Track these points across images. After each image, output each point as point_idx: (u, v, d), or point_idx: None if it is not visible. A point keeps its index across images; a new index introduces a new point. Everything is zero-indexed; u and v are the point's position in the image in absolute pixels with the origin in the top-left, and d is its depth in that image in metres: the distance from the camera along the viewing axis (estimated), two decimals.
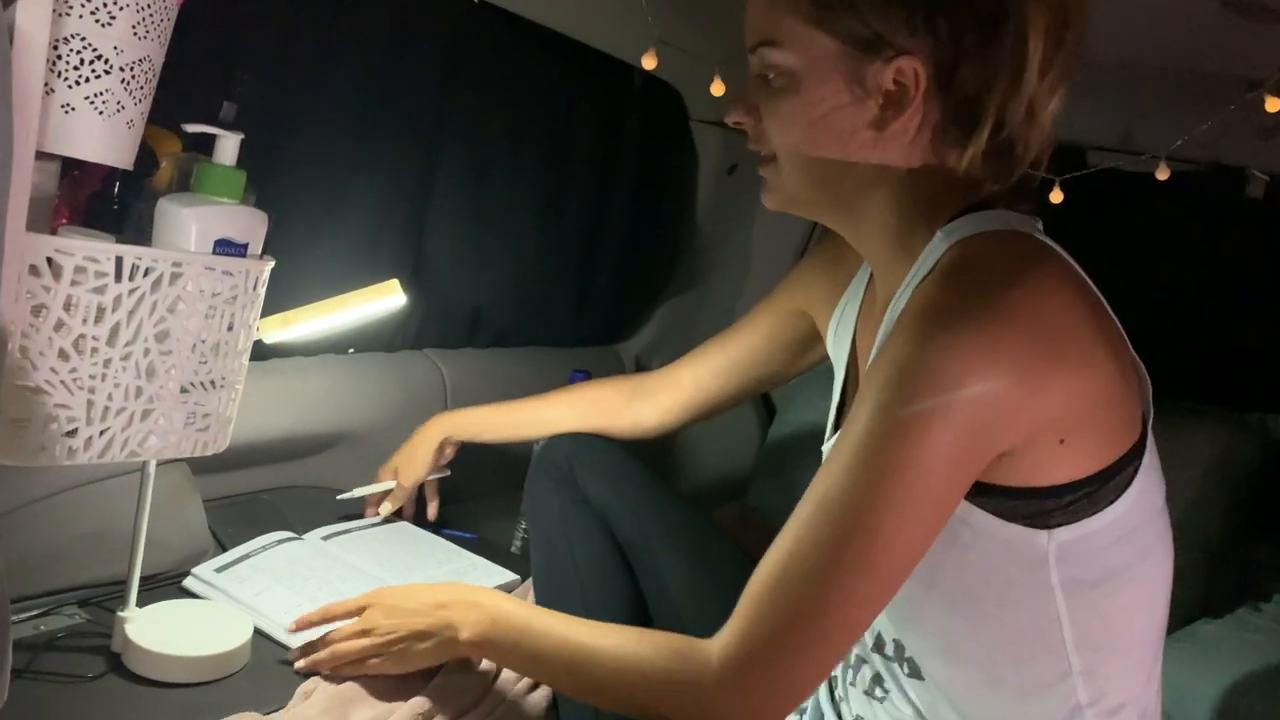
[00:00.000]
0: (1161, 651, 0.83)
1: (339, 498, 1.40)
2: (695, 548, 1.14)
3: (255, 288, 0.91)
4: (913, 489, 0.68)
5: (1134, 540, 0.76)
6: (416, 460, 1.41)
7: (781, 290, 1.14)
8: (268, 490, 1.51)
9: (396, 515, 1.51)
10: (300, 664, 1.05)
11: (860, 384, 0.75)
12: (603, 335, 2.02)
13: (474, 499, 1.73)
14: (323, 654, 1.04)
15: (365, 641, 1.02)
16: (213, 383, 0.89)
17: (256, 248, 0.90)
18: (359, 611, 1.05)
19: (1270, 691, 1.34)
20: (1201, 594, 1.50)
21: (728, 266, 2.06)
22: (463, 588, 1.04)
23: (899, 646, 0.86)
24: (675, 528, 1.15)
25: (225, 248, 0.85)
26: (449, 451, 1.44)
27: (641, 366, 2.10)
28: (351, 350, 1.57)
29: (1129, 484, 0.75)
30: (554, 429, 1.30)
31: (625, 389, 1.31)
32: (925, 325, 0.69)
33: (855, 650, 0.94)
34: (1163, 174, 1.44)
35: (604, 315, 1.96)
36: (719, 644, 0.74)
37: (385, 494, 1.47)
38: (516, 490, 1.71)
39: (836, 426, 0.95)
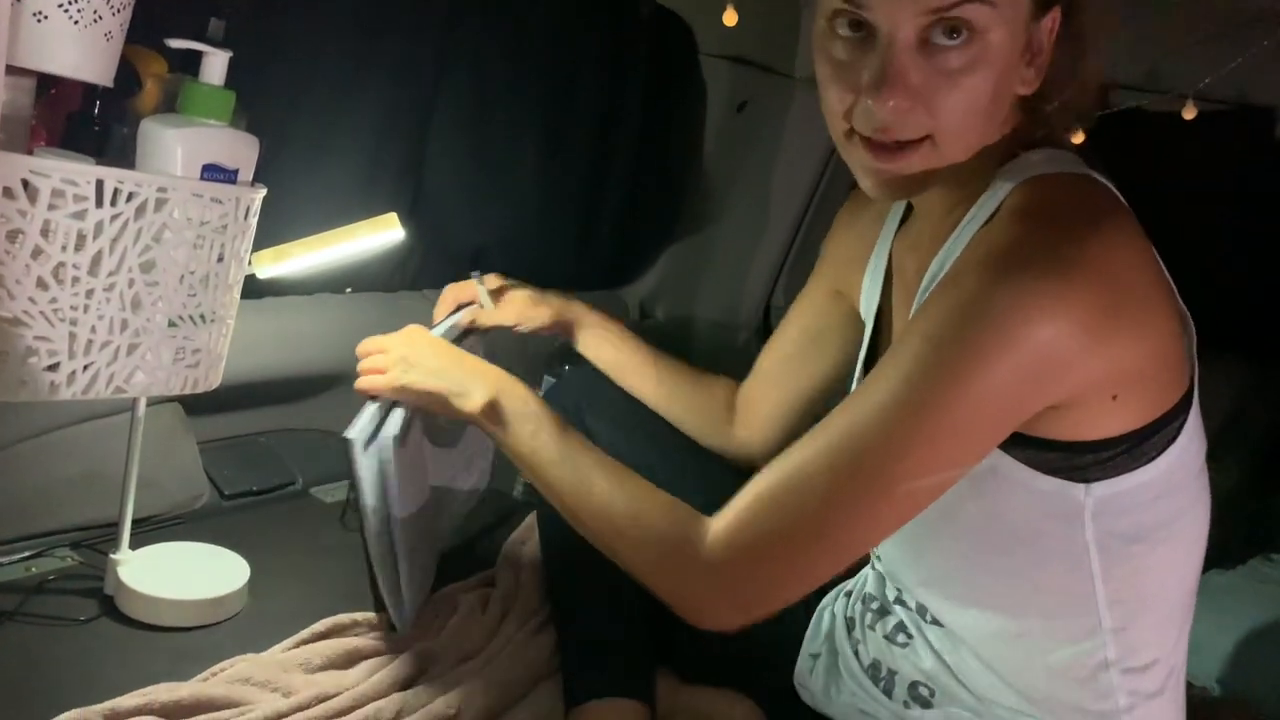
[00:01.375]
0: (1192, 610, 0.80)
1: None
2: (707, 496, 1.11)
3: (246, 217, 0.86)
4: (955, 423, 0.65)
5: (1173, 498, 0.73)
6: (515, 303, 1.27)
7: (814, 275, 1.07)
8: (265, 433, 1.48)
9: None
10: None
11: (907, 324, 0.71)
12: (606, 279, 1.97)
13: None
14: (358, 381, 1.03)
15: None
16: (202, 317, 0.84)
17: (247, 174, 0.85)
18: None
19: (1277, 637, 1.32)
20: (1214, 544, 1.47)
21: (736, 208, 2.00)
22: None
23: (921, 606, 0.83)
24: (686, 475, 1.12)
25: (213, 173, 0.80)
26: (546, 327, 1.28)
27: (646, 312, 2.05)
28: (349, 290, 1.53)
29: (1172, 440, 0.72)
30: (666, 408, 1.19)
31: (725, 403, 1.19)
32: (994, 266, 0.65)
33: (878, 598, 0.91)
34: (1189, 113, 1.38)
35: (608, 258, 1.91)
36: (717, 524, 0.72)
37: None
38: None
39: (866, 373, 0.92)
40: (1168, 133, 1.45)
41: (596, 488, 0.79)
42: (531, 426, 0.86)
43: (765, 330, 2.13)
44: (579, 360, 1.53)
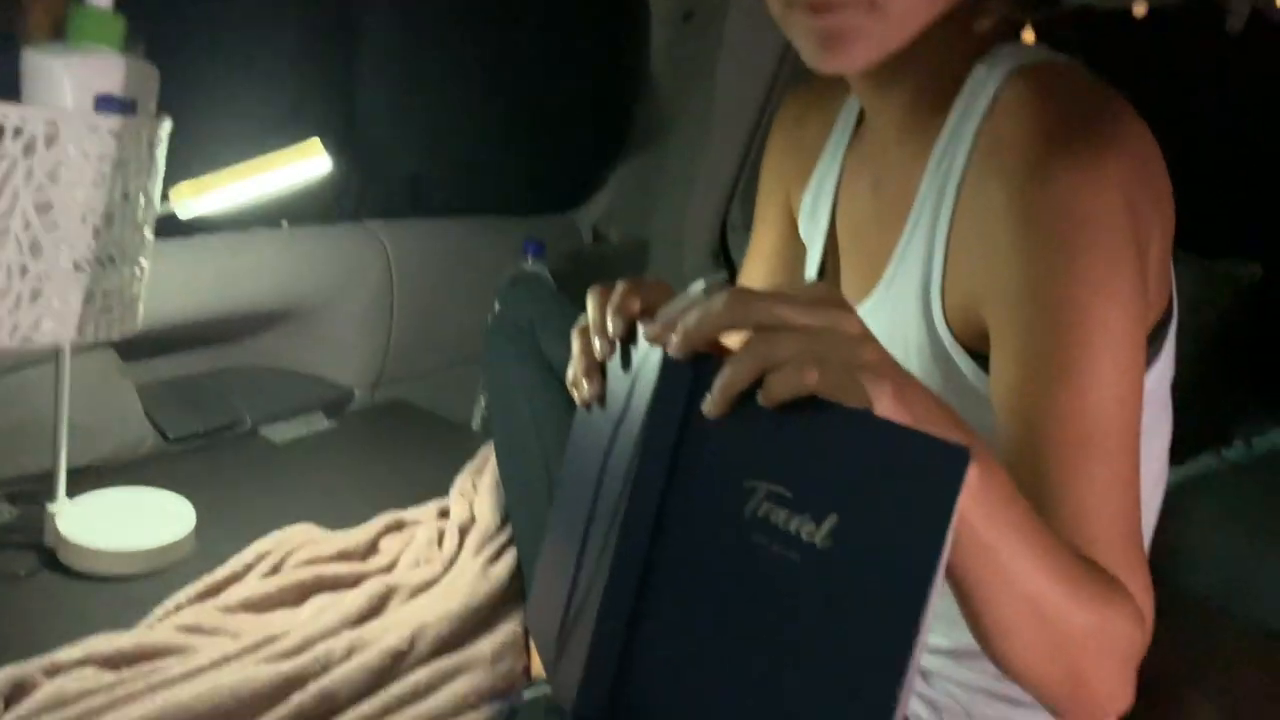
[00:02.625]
0: (1151, 532, 0.79)
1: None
2: None
3: (150, 151, 0.82)
4: (1128, 334, 0.61)
5: (1149, 411, 0.72)
6: None
7: (762, 196, 0.99)
8: (208, 373, 1.45)
9: None
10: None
11: (985, 287, 0.66)
12: (556, 202, 1.93)
13: (429, 374, 1.68)
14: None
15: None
16: (110, 258, 0.80)
17: (148, 105, 0.81)
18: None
19: (1226, 534, 1.34)
20: None
21: (687, 124, 1.95)
22: None
23: None
24: None
25: (108, 105, 0.75)
26: None
27: (600, 235, 2.02)
28: (285, 223, 1.48)
29: (1159, 352, 0.70)
30: None
31: None
32: (1042, 166, 0.62)
33: None
34: (1140, 9, 1.35)
35: (556, 180, 1.87)
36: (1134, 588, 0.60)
37: None
38: (474, 364, 1.67)
39: None
40: (1117, 31, 1.42)
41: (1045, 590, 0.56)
42: (1018, 511, 0.55)
43: (723, 251, 2.09)
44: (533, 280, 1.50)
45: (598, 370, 0.62)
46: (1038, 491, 0.62)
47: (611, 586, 0.55)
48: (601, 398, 0.62)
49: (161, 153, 0.84)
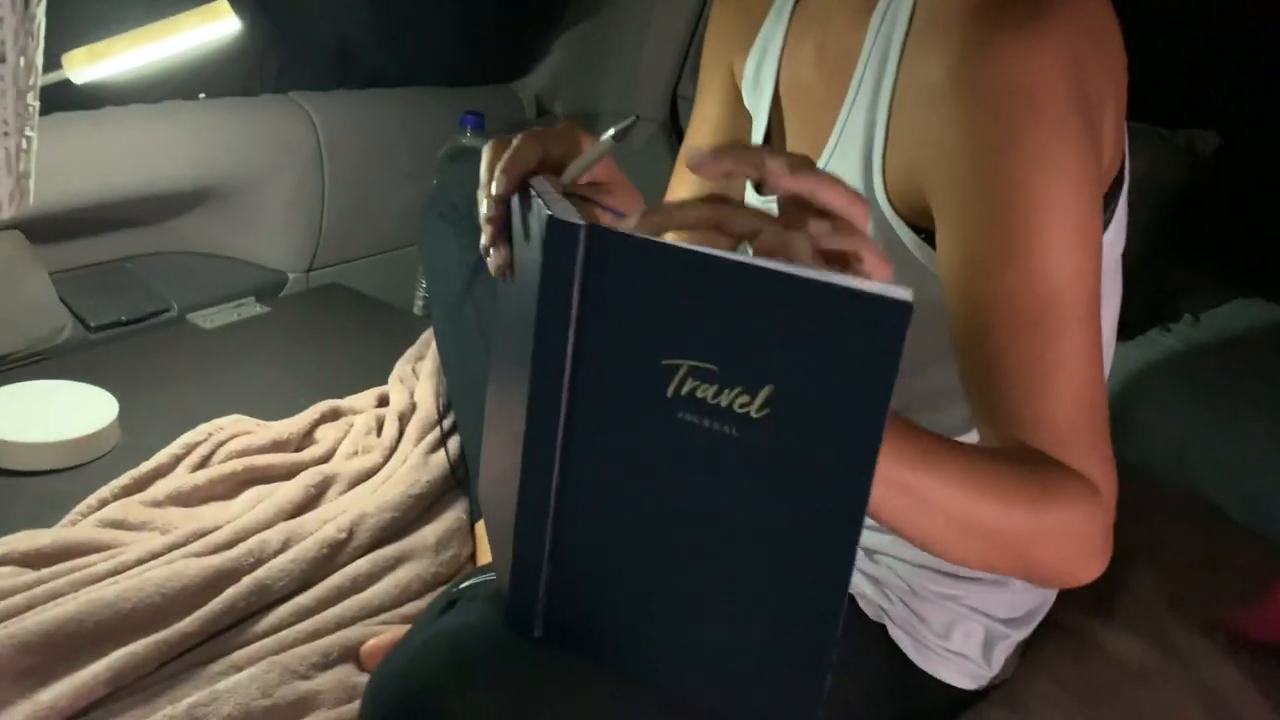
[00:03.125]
0: None
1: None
2: None
3: (26, 10, 0.73)
4: (1071, 219, 0.59)
5: (1115, 268, 0.70)
6: None
7: (705, 64, 0.92)
8: (130, 258, 1.37)
9: None
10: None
11: (934, 162, 0.62)
12: (495, 71, 1.82)
13: (366, 257, 1.61)
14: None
15: None
16: None
17: None
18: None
19: (1169, 410, 1.36)
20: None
21: None
22: None
23: None
24: None
25: None
26: None
27: (543, 108, 1.92)
28: (203, 95, 1.38)
29: (1111, 219, 0.67)
30: None
31: None
32: (981, 33, 0.58)
33: None
34: None
35: (495, 46, 1.76)
36: (1088, 469, 0.60)
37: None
38: (415, 246, 1.60)
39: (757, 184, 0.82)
40: None
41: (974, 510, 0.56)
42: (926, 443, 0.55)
43: (674, 125, 2.01)
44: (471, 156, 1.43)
45: (504, 238, 0.57)
46: (988, 373, 0.61)
47: (527, 481, 0.52)
48: (509, 268, 0.57)
49: (39, 10, 0.75)
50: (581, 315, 0.48)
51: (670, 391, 0.46)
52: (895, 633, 0.77)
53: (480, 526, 0.99)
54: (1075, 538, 0.58)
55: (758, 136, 0.84)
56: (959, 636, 0.77)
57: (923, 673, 0.77)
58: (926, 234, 0.66)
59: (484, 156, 0.58)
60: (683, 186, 0.93)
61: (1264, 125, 1.62)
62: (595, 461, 0.50)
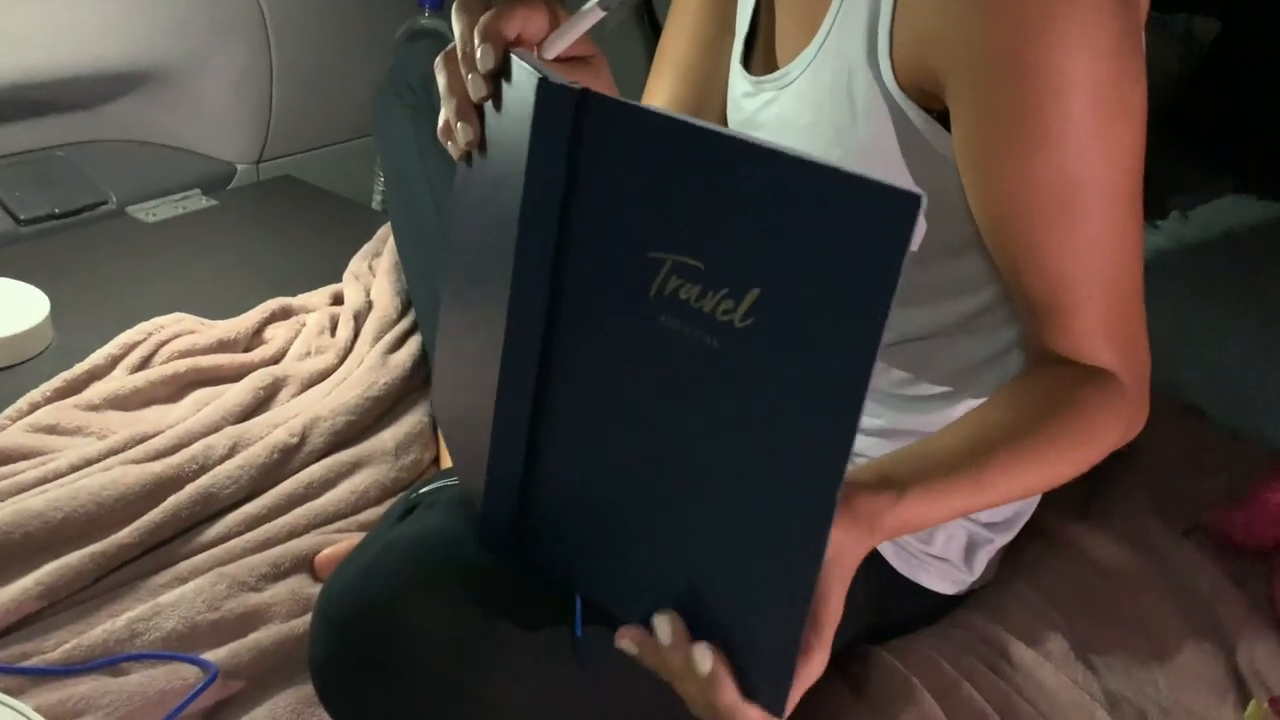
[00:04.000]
0: None
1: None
2: None
3: None
4: (1110, 99, 0.55)
5: None
6: None
7: None
8: (63, 146, 1.28)
9: None
10: None
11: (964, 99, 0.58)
12: None
13: (321, 148, 1.52)
14: None
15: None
16: None
17: None
18: None
19: (1154, 307, 1.33)
20: None
21: None
22: None
23: None
24: None
25: None
26: None
27: None
28: None
29: None
30: None
31: None
32: None
33: None
34: None
35: None
36: (1112, 363, 0.60)
37: None
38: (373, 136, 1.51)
39: (747, 62, 0.75)
40: None
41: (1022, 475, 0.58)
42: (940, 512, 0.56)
43: (648, 15, 1.90)
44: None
45: (473, 111, 0.51)
46: (1016, 259, 0.59)
47: (506, 385, 0.47)
48: (480, 145, 0.51)
49: None
50: (570, 193, 0.43)
51: (654, 290, 0.41)
52: None
53: (440, 430, 0.95)
54: (1115, 438, 0.60)
55: (743, 23, 0.76)
56: (941, 541, 0.74)
57: (903, 578, 0.74)
58: (938, 114, 0.61)
59: (457, 21, 0.51)
60: (660, 84, 0.85)
61: (1268, 13, 1.54)
62: (577, 368, 0.45)
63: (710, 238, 0.40)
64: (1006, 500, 0.60)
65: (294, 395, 0.95)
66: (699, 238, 0.40)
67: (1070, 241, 0.57)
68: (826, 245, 0.37)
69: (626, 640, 0.47)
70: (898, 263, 0.35)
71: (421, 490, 0.68)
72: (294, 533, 0.81)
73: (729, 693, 0.44)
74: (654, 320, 0.41)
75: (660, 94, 0.83)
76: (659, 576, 0.45)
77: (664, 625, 0.45)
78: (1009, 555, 0.81)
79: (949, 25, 0.57)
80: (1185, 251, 1.38)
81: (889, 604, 0.75)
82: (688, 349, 0.41)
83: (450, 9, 1.54)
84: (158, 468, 0.79)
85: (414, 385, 1.01)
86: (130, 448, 0.82)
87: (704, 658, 0.43)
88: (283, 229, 1.30)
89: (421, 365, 1.02)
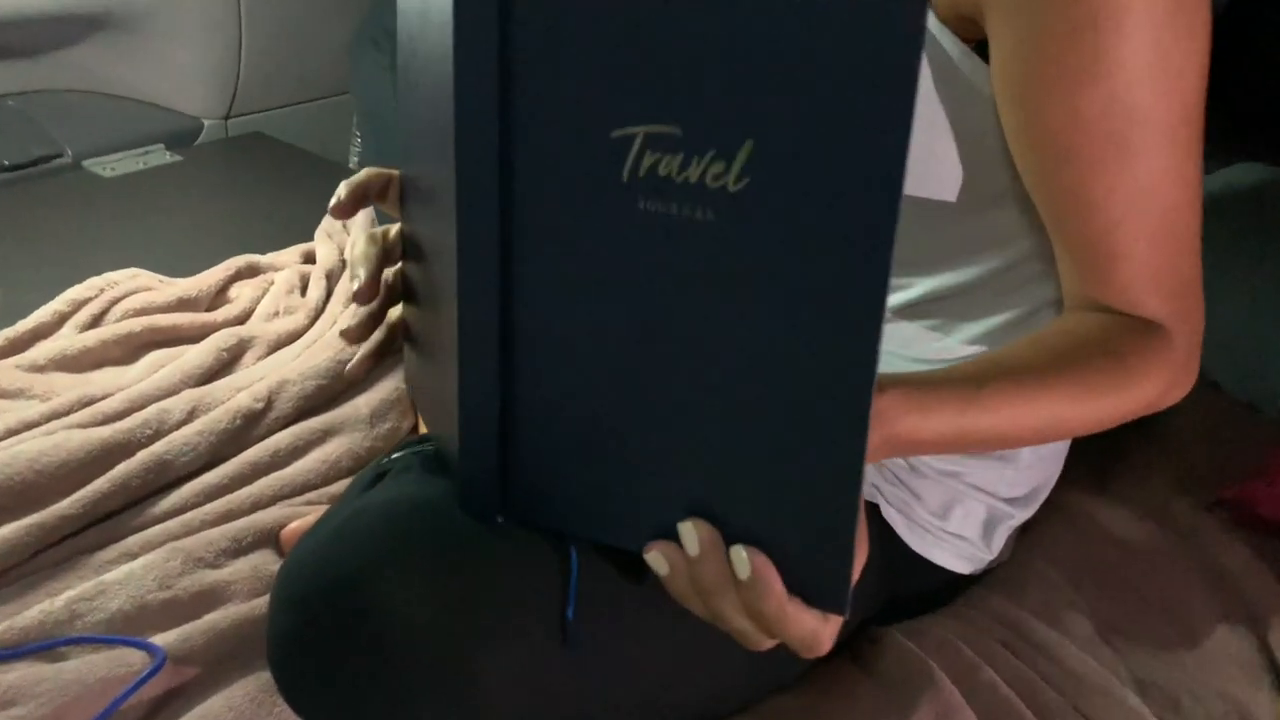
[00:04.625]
0: None
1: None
2: None
3: None
4: (1175, 11, 0.50)
5: None
6: None
7: None
8: (14, 95, 1.20)
9: None
10: None
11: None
12: None
13: (294, 104, 1.45)
14: None
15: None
16: None
17: None
18: None
19: None
20: None
21: None
22: None
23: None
24: None
25: None
26: None
27: None
28: None
29: None
30: None
31: None
32: None
33: None
34: None
35: None
36: (1156, 313, 0.55)
37: None
38: (350, 93, 1.44)
39: None
40: None
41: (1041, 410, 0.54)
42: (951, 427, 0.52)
43: None
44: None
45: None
46: (1060, 203, 0.54)
47: (466, 319, 0.40)
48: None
49: None
50: (507, 80, 0.36)
51: (626, 173, 0.35)
52: (888, 513, 0.68)
53: None
54: (1150, 394, 0.55)
55: None
56: (958, 517, 0.69)
57: (916, 555, 0.69)
58: (976, 45, 0.56)
59: None
60: None
61: None
62: (547, 281, 0.39)
63: (684, 94, 0.33)
64: (1013, 435, 0.53)
65: (260, 358, 0.89)
66: (670, 98, 0.34)
67: (1122, 183, 0.52)
68: (825, 66, 0.31)
69: (656, 553, 0.41)
70: (913, 68, 0.30)
71: (392, 456, 0.61)
72: (258, 505, 0.75)
73: (778, 595, 0.38)
74: (632, 207, 0.35)
75: None
76: (673, 497, 0.39)
77: (691, 533, 0.39)
78: (1025, 533, 0.76)
79: None
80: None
81: (899, 582, 0.70)
82: (677, 231, 0.35)
83: None
84: (106, 432, 0.72)
85: (391, 348, 0.94)
86: (76, 410, 0.75)
87: (744, 560, 0.38)
88: (251, 187, 1.23)
89: (400, 326, 0.95)
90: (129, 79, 1.29)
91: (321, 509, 0.76)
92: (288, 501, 0.76)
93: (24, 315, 0.85)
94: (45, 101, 1.22)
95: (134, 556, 0.67)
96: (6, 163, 1.12)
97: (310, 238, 1.09)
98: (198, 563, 0.68)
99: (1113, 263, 0.54)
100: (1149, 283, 0.54)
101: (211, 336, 0.88)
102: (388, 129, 1.00)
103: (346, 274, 1.01)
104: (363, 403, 0.88)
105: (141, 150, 1.24)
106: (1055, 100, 0.52)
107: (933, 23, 0.56)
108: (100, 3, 1.20)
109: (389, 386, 0.90)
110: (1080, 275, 0.56)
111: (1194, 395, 1.06)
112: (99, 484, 0.69)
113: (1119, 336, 0.54)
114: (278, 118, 1.44)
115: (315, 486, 0.79)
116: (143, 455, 0.72)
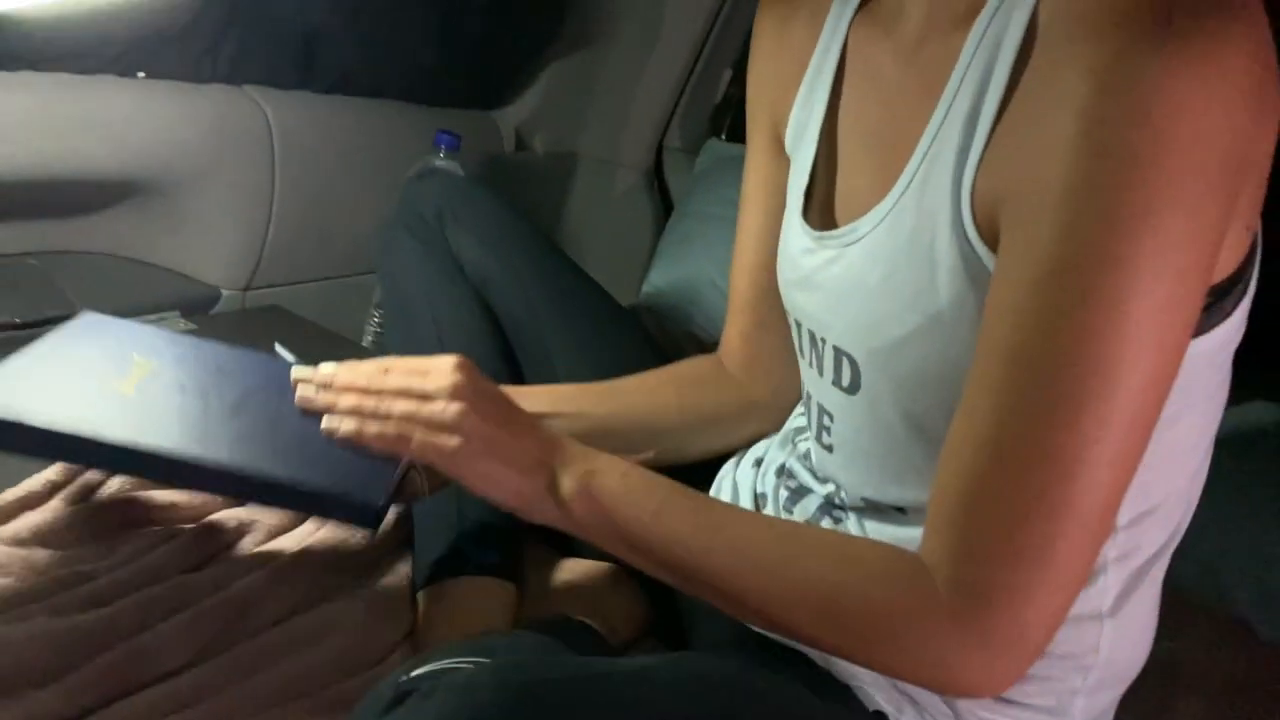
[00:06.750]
0: (1194, 502, 0.65)
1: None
2: (591, 326, 0.90)
3: None
4: (1181, 274, 0.48)
5: (1225, 366, 0.58)
6: None
7: (750, 122, 0.80)
8: (36, 254, 1.18)
9: None
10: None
11: (1021, 180, 0.52)
12: (475, 96, 1.69)
13: (314, 280, 1.44)
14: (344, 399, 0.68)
15: (408, 405, 0.64)
16: None
17: None
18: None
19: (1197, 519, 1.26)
20: None
21: (628, 27, 1.74)
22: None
23: (870, 500, 0.66)
24: (567, 301, 0.90)
25: None
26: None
27: (522, 143, 1.79)
28: (142, 74, 1.21)
29: (1239, 300, 0.56)
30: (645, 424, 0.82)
31: (709, 361, 0.88)
32: (1133, 52, 0.47)
33: (795, 477, 0.74)
34: None
35: (477, 69, 1.63)
36: (935, 561, 0.53)
37: None
38: (369, 273, 1.44)
39: (806, 213, 0.70)
40: None
41: (772, 563, 0.57)
42: (651, 505, 0.60)
43: (658, 175, 1.90)
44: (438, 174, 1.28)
45: None
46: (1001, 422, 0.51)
47: None
48: None
49: None
50: None
51: None
52: None
53: (420, 597, 0.82)
54: (878, 640, 0.54)
55: (797, 192, 0.71)
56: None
57: None
58: None
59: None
60: (750, 220, 0.83)
61: None
62: None
63: None
64: (686, 570, 0.59)
65: (259, 544, 0.82)
66: None
67: (1071, 446, 0.49)
68: None
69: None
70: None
71: (415, 673, 0.55)
72: (256, 707, 0.66)
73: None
74: None
75: (743, 274, 0.83)
76: None
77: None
78: None
79: (1028, 165, 0.51)
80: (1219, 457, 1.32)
81: None
82: None
83: (463, 159, 1.50)
84: (85, 620, 0.65)
85: (398, 540, 0.88)
86: (55, 594, 0.67)
87: None
88: None
89: (405, 518, 0.90)
90: (154, 245, 1.28)
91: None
92: (283, 706, 0.68)
93: (15, 483, 0.79)
94: (66, 262, 1.20)
95: None
96: (18, 320, 1.09)
97: None
98: None
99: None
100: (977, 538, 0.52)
101: (209, 518, 0.82)
102: (411, 310, 0.98)
103: None
104: (361, 599, 0.81)
105: (155, 316, 1.22)
106: (1036, 313, 0.50)
107: (980, 247, 0.55)
108: (138, 169, 1.21)
109: (390, 583, 0.84)
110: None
111: (1224, 636, 1.02)
112: (71, 679, 0.60)
113: (881, 559, 0.55)
114: (296, 292, 1.43)
115: (310, 693, 0.71)
116: (123, 648, 0.64)
